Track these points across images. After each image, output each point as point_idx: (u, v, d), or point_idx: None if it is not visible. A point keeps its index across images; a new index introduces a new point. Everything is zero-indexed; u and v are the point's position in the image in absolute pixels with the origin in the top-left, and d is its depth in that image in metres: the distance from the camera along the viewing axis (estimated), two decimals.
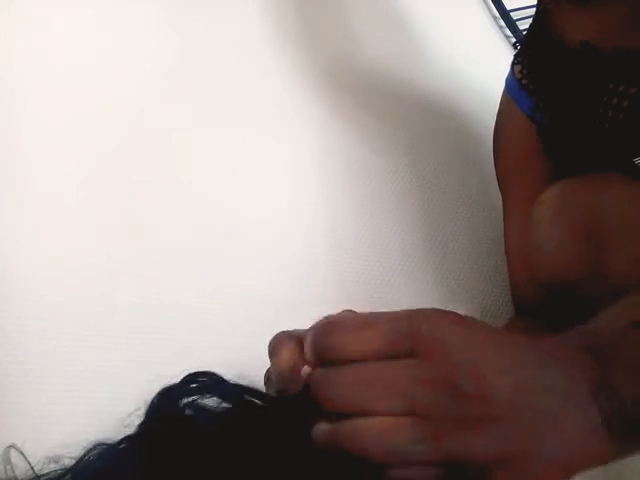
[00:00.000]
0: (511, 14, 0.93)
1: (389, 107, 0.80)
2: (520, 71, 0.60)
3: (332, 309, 0.61)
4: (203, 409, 0.40)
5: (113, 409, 0.50)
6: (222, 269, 0.63)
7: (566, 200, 0.52)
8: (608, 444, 0.32)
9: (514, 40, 0.91)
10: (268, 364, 0.46)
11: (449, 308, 0.60)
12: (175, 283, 0.61)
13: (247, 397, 0.40)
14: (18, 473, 0.43)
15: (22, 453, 0.44)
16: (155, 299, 0.60)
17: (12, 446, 0.44)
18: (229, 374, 0.43)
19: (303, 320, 0.61)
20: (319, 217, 0.69)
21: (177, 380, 0.42)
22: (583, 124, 0.53)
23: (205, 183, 0.68)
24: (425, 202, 0.73)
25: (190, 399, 0.40)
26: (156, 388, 0.45)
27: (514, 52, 0.63)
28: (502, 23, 0.94)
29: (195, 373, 0.41)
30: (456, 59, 0.88)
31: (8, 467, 0.44)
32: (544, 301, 0.57)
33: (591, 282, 0.48)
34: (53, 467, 0.42)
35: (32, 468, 0.43)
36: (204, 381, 0.41)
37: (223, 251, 0.64)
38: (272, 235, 0.66)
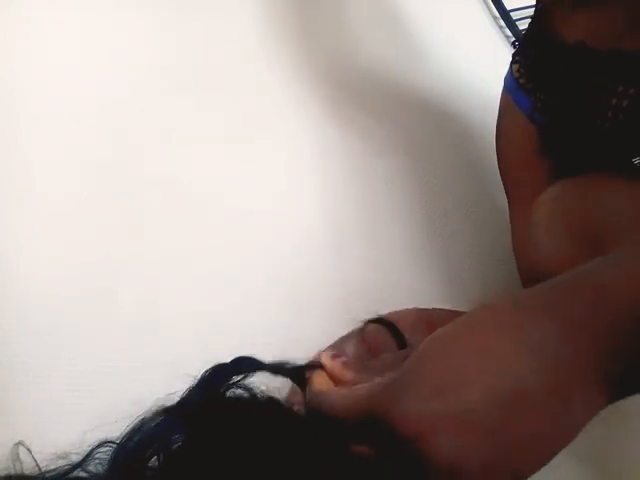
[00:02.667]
0: (511, 14, 0.93)
1: (388, 107, 0.80)
2: (518, 70, 0.60)
3: (332, 309, 0.61)
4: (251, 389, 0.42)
5: (113, 409, 0.50)
6: (222, 269, 0.63)
7: (565, 200, 0.52)
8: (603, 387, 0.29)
9: (514, 40, 0.91)
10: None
11: (450, 306, 0.60)
12: (175, 283, 0.61)
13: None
14: (24, 470, 0.44)
15: (29, 450, 0.45)
16: (155, 299, 0.60)
17: (20, 443, 0.45)
18: None
19: (303, 319, 0.61)
20: (319, 217, 0.69)
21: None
22: (582, 124, 0.53)
23: (205, 183, 0.68)
24: (425, 202, 0.73)
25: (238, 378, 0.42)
26: (156, 388, 0.45)
27: (513, 51, 0.63)
28: (502, 23, 0.94)
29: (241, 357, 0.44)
30: (456, 59, 0.87)
31: (17, 464, 0.44)
32: None
33: None
34: (61, 463, 0.43)
35: (38, 465, 0.43)
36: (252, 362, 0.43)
37: (223, 250, 0.64)
38: (272, 234, 0.66)
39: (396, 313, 0.52)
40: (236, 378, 0.42)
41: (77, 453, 0.43)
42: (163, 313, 0.59)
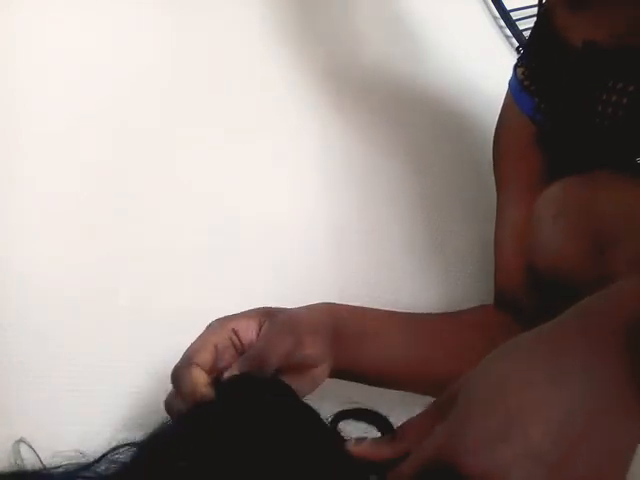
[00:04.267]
0: (511, 14, 0.93)
1: (389, 106, 0.80)
2: (523, 72, 0.60)
3: None
4: None
5: (114, 409, 0.50)
6: (222, 269, 0.63)
7: (568, 199, 0.52)
8: None
9: (514, 40, 0.91)
10: None
11: (449, 305, 0.60)
12: (175, 283, 0.61)
13: None
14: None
15: (31, 447, 0.45)
16: (155, 298, 0.60)
17: (21, 440, 0.45)
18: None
19: None
20: (320, 216, 0.69)
21: None
22: (583, 122, 0.53)
23: (205, 182, 0.68)
24: (425, 201, 0.73)
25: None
26: (157, 388, 0.45)
27: (517, 56, 0.63)
28: (502, 23, 0.94)
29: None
30: (456, 59, 0.87)
31: (18, 461, 0.44)
32: (530, 293, 0.57)
33: (593, 281, 0.48)
34: (57, 461, 0.43)
35: (41, 461, 0.43)
36: None
37: (223, 250, 0.64)
38: (273, 234, 0.66)
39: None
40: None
41: (76, 450, 0.43)
42: (163, 313, 0.59)
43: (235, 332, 0.45)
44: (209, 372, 0.43)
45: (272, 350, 0.43)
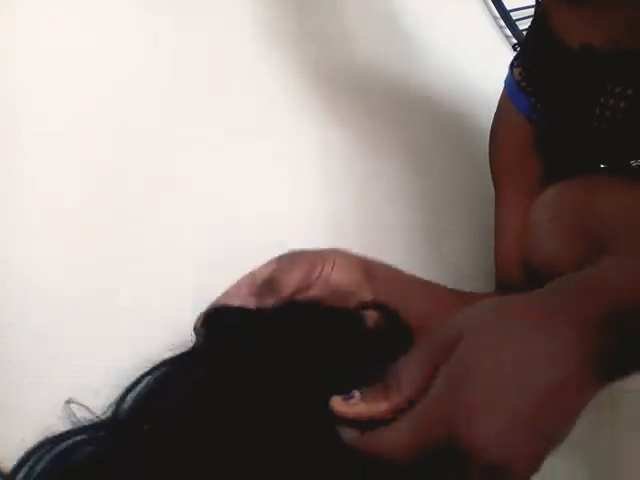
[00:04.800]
0: (511, 14, 0.93)
1: (388, 106, 0.80)
2: (519, 73, 0.60)
3: None
4: None
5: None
6: (222, 270, 0.63)
7: (564, 202, 0.52)
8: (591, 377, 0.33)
9: (514, 40, 0.91)
10: None
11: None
12: (175, 283, 0.61)
13: None
14: None
15: (82, 405, 0.45)
16: (155, 299, 0.60)
17: (70, 401, 0.45)
18: None
19: None
20: (318, 217, 0.69)
21: None
22: (581, 125, 0.53)
23: (205, 182, 0.68)
24: (425, 201, 0.73)
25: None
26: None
27: (514, 53, 0.63)
28: (502, 23, 0.94)
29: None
30: (456, 59, 0.88)
31: (74, 420, 0.46)
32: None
33: None
34: None
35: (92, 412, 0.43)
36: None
37: (223, 251, 0.64)
38: (272, 234, 0.66)
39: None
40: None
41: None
42: (163, 314, 0.59)
43: None
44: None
45: (283, 278, 0.45)
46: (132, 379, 0.53)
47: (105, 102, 0.71)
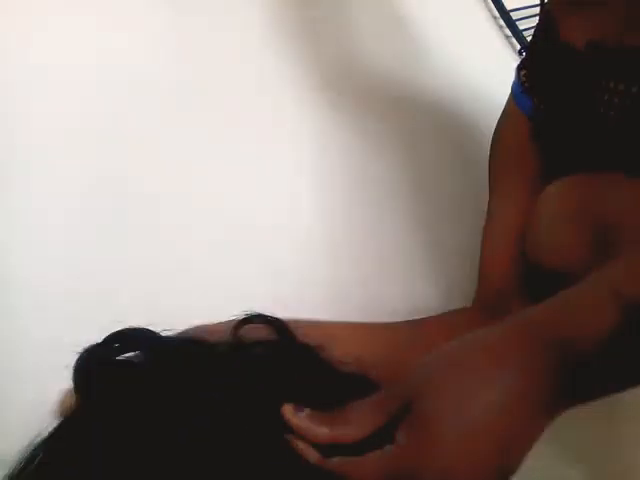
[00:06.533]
0: (511, 14, 0.93)
1: (388, 107, 0.80)
2: (525, 75, 0.60)
3: (330, 310, 0.61)
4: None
5: None
6: (221, 271, 0.63)
7: (571, 196, 0.52)
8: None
9: (514, 40, 0.91)
10: None
11: (444, 306, 0.60)
12: (175, 284, 0.61)
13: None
14: None
15: None
16: (155, 300, 0.60)
17: None
18: None
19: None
20: (318, 217, 0.69)
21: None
22: (585, 123, 0.53)
23: (204, 185, 0.68)
24: (424, 201, 0.73)
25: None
26: None
27: (517, 56, 0.63)
28: (502, 23, 0.94)
29: (118, 332, 0.42)
30: (456, 59, 0.87)
31: None
32: (520, 290, 0.58)
33: None
34: None
35: None
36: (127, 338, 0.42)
37: (222, 253, 0.64)
38: (271, 236, 0.66)
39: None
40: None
41: None
42: (162, 314, 0.59)
43: None
44: None
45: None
46: None
47: (105, 102, 0.71)
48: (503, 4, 0.94)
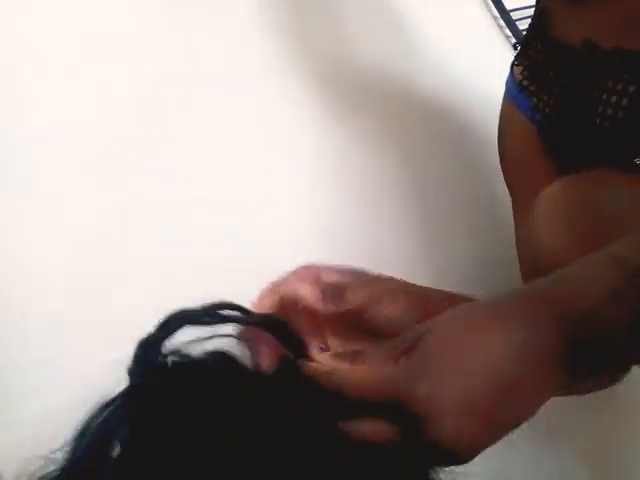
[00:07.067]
0: (511, 14, 0.93)
1: (387, 106, 0.80)
2: (521, 72, 0.60)
3: None
4: (186, 357, 0.40)
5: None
6: (221, 270, 0.63)
7: (568, 196, 0.52)
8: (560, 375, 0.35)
9: (514, 40, 0.91)
10: None
11: None
12: (175, 284, 0.61)
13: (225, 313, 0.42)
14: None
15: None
16: (154, 299, 0.60)
17: None
18: None
19: None
20: (317, 217, 0.69)
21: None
22: (583, 123, 0.53)
23: (205, 184, 0.68)
24: (424, 201, 0.73)
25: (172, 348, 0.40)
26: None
27: (514, 53, 0.63)
28: (502, 23, 0.94)
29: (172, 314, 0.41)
30: (456, 58, 0.87)
31: None
32: None
33: None
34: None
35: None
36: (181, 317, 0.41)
37: (222, 252, 0.64)
38: (270, 235, 0.66)
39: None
40: (170, 345, 0.39)
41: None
42: (163, 313, 0.59)
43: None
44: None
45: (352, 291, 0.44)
46: None
47: (105, 101, 0.71)
48: (503, 4, 0.94)
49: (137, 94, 0.72)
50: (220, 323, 0.42)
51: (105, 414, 0.38)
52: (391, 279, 0.48)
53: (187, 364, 0.39)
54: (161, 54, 0.77)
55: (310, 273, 0.47)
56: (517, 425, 0.35)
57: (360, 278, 0.48)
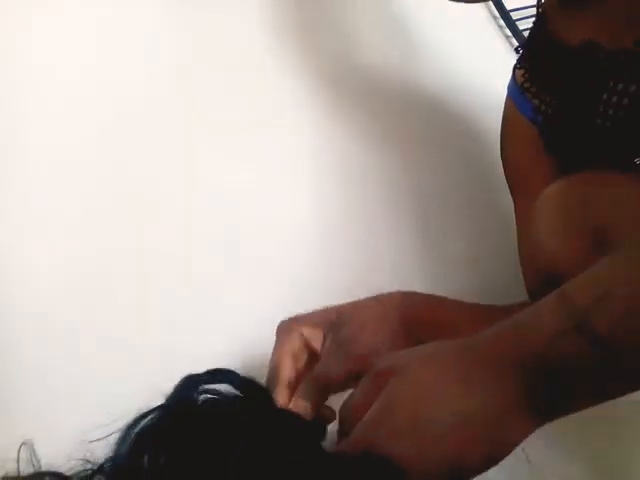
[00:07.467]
0: (511, 14, 0.93)
1: (388, 107, 0.80)
2: (522, 75, 0.60)
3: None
4: (222, 395, 0.42)
5: (114, 409, 0.50)
6: (221, 270, 0.63)
7: (568, 197, 0.52)
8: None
9: (514, 40, 0.91)
10: (266, 364, 0.46)
11: None
12: (175, 285, 0.61)
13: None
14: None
15: (33, 450, 0.44)
16: (155, 300, 0.60)
17: (24, 443, 0.45)
18: None
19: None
20: (317, 217, 0.69)
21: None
22: (584, 123, 0.53)
23: (204, 183, 0.68)
24: (424, 201, 0.73)
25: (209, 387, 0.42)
26: (157, 388, 0.45)
27: (516, 57, 0.63)
28: (502, 23, 0.94)
29: (216, 369, 0.44)
30: (456, 59, 0.88)
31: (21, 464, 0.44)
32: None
33: None
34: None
35: (38, 464, 0.43)
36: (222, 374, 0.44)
37: (221, 251, 0.64)
38: (270, 234, 0.66)
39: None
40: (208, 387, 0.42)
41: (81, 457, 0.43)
42: (163, 315, 0.59)
43: (305, 339, 0.49)
44: (293, 384, 0.47)
45: (329, 375, 0.47)
46: (132, 379, 0.54)
47: (105, 101, 0.71)
48: (503, 4, 0.94)
49: (137, 94, 0.73)
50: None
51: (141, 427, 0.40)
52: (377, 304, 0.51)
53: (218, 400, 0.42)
54: (161, 54, 0.77)
55: (290, 342, 0.48)
56: (482, 469, 0.37)
57: (332, 344, 0.48)
